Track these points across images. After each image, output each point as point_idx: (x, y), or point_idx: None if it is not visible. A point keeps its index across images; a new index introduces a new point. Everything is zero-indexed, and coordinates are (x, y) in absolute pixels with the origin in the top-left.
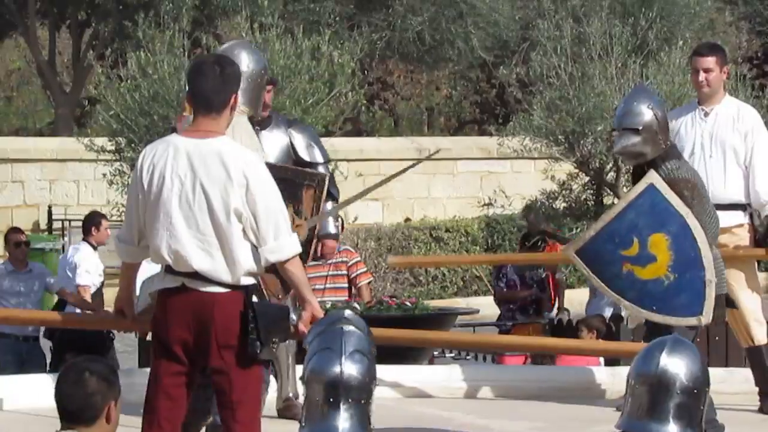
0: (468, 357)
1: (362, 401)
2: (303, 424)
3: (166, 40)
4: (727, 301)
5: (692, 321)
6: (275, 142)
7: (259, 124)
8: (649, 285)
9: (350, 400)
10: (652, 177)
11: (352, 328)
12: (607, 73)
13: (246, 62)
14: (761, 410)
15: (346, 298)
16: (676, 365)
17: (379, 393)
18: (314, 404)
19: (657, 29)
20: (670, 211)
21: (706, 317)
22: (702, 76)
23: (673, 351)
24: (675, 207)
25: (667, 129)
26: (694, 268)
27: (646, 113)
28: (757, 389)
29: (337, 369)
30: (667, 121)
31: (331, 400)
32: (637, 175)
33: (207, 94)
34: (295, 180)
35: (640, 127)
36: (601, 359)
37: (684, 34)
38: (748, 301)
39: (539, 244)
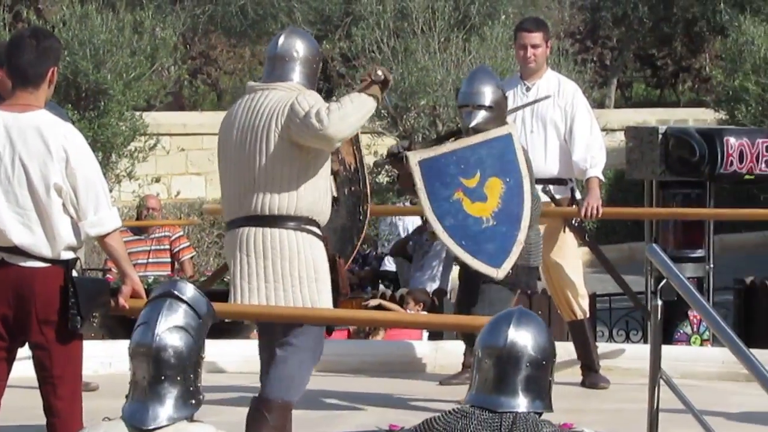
0: None
1: (180, 377)
2: (127, 396)
3: None
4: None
5: (490, 271)
6: None
7: None
8: (470, 220)
9: (164, 377)
10: (513, 128)
11: (177, 303)
12: (430, 47)
13: (303, 48)
14: (583, 384)
15: (169, 272)
16: (524, 338)
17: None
18: (135, 379)
19: (479, 4)
20: (514, 166)
21: (503, 272)
22: (529, 52)
23: (520, 323)
24: (519, 164)
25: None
26: (512, 224)
27: (496, 92)
28: (579, 363)
29: (150, 345)
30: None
31: (145, 376)
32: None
33: (24, 68)
34: None
35: (492, 105)
36: (425, 333)
37: (506, 8)
38: (569, 275)
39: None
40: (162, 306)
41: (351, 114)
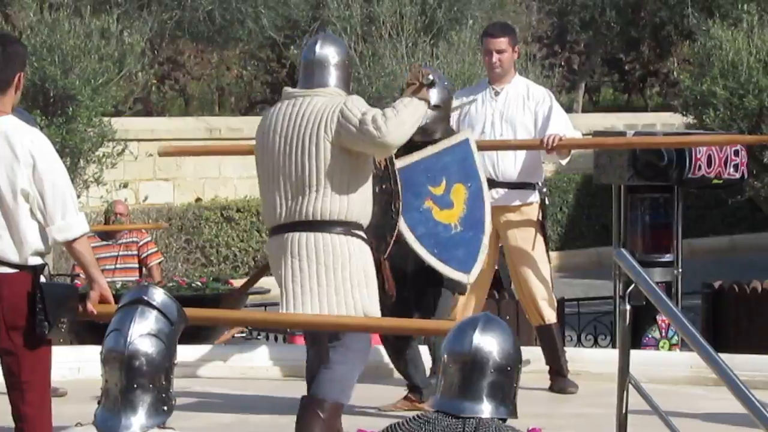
0: (259, 336)
1: (152, 385)
2: (99, 402)
3: None
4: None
5: (461, 276)
6: None
7: None
8: (440, 227)
9: (137, 385)
10: (469, 133)
11: (148, 309)
12: (397, 52)
13: (338, 53)
14: (551, 389)
15: (137, 278)
16: (489, 343)
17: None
18: (107, 386)
19: (446, 8)
20: (474, 170)
21: (472, 277)
22: (495, 57)
23: (485, 329)
24: (478, 169)
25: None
26: (477, 229)
27: (442, 91)
28: (547, 368)
29: (122, 353)
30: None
31: (117, 384)
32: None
33: None
34: None
35: (440, 104)
36: None
37: (474, 13)
38: (538, 280)
39: None
40: (134, 313)
41: (407, 120)
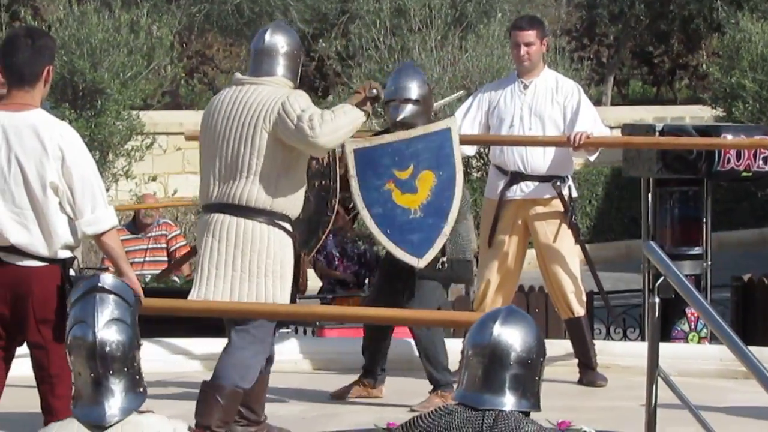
0: (287, 330)
1: (126, 369)
2: (74, 396)
3: None
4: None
5: (412, 260)
6: None
7: None
8: (398, 211)
9: (111, 372)
10: (453, 123)
11: (106, 295)
12: (426, 45)
13: (287, 42)
14: (581, 381)
15: None
16: (510, 335)
17: (196, 367)
18: (80, 377)
19: (476, 2)
20: (450, 160)
21: (423, 262)
22: (523, 50)
23: (506, 321)
24: (455, 159)
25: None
26: (439, 217)
27: (422, 86)
28: (576, 361)
29: (93, 343)
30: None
31: (93, 374)
32: None
33: (19, 67)
34: None
35: (419, 99)
36: None
37: (503, 6)
38: (567, 272)
39: None
40: (94, 301)
41: (343, 126)
